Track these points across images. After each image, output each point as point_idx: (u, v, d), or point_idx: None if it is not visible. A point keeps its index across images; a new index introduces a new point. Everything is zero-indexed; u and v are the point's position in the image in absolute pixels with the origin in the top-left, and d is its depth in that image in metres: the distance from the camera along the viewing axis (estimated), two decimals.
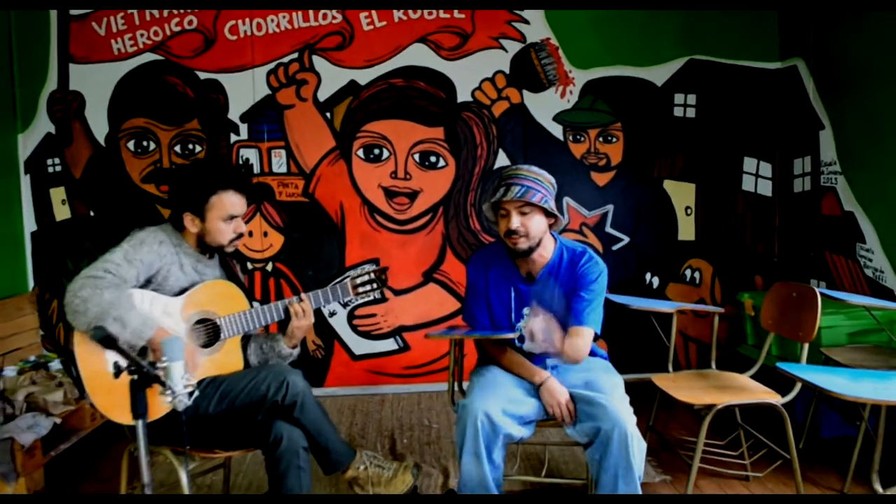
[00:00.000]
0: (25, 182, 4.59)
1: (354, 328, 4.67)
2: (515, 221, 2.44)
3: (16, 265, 4.53)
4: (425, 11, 4.53)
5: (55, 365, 4.04)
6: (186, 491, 2.21)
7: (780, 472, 3.10)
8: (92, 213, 4.61)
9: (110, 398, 2.20)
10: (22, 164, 4.57)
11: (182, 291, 2.39)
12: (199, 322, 2.39)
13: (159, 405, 2.18)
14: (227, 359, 2.42)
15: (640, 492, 2.29)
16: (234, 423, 2.34)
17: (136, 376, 1.68)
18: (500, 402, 2.40)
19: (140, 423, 1.71)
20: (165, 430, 2.24)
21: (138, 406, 1.68)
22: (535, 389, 2.51)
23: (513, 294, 2.61)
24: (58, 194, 4.61)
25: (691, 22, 4.62)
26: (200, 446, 2.35)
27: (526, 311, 2.58)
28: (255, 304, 2.52)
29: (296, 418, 2.35)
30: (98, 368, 2.20)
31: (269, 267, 4.59)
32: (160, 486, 3.28)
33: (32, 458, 3.27)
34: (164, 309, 2.32)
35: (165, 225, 2.52)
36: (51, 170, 4.59)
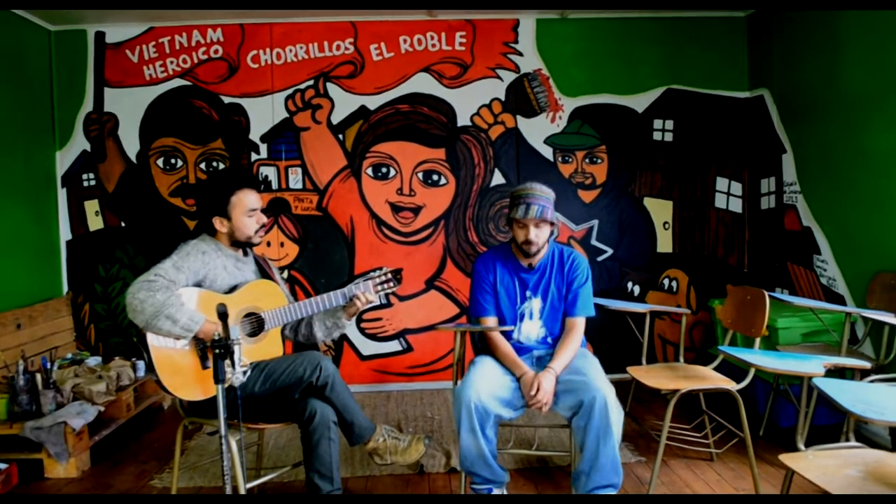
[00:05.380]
0: (62, 195, 5.04)
1: (362, 331, 5.11)
2: (532, 233, 2.99)
3: (52, 271, 4.96)
4: (429, 44, 5.01)
5: (91, 361, 4.47)
6: (237, 458, 2.63)
7: (737, 452, 3.57)
8: (123, 224, 5.05)
9: (176, 378, 2.64)
10: (59, 178, 5.03)
11: (232, 289, 2.83)
12: (246, 315, 2.83)
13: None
14: (269, 346, 2.86)
15: (617, 451, 2.76)
16: (275, 401, 2.78)
17: (219, 350, 2.13)
18: (490, 389, 2.87)
19: (220, 387, 2.15)
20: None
21: (219, 373, 2.12)
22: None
23: (517, 281, 3.15)
24: (92, 206, 5.05)
25: (669, 55, 5.11)
26: (247, 419, 2.77)
27: (528, 303, 3.12)
28: (313, 297, 2.96)
29: (327, 397, 2.79)
30: (166, 355, 2.64)
31: (286, 275, 5.03)
32: (193, 466, 3.72)
33: (81, 440, 3.71)
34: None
35: (203, 236, 2.94)
36: (86, 184, 5.04)
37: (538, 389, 2.82)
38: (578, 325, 3.10)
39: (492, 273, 3.17)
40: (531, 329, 3.13)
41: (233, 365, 2.24)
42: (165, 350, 2.64)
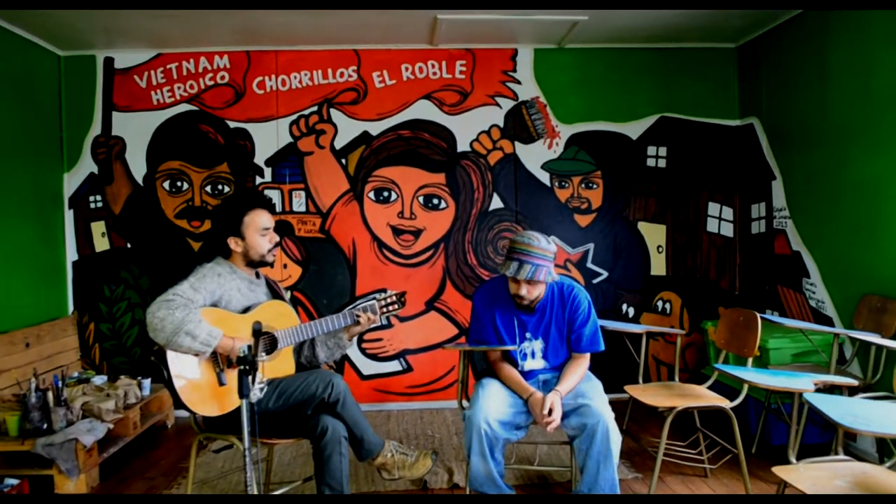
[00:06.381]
0: (69, 216, 5.13)
1: (363, 350, 5.21)
2: (524, 290, 3.01)
3: (59, 291, 5.04)
4: (430, 72, 5.17)
5: (97, 380, 4.54)
6: (250, 472, 2.71)
7: (730, 468, 3.69)
8: (129, 245, 5.15)
9: (193, 395, 2.73)
10: (67, 200, 5.13)
11: (246, 310, 2.94)
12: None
13: (231, 401, 2.75)
14: (282, 364, 2.96)
15: (616, 473, 2.87)
16: (289, 416, 2.87)
17: (244, 367, 2.23)
18: (498, 414, 2.98)
19: (245, 402, 2.25)
20: (232, 423, 2.77)
21: (244, 389, 2.22)
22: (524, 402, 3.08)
23: (516, 323, 3.18)
24: (98, 228, 5.15)
25: (662, 84, 5.29)
26: (261, 435, 2.86)
27: (528, 343, 3.19)
28: (322, 318, 3.07)
29: (338, 413, 2.89)
30: (185, 372, 2.73)
31: (288, 296, 5.12)
32: (202, 482, 3.79)
33: (90, 457, 3.78)
34: (235, 324, 2.86)
35: (218, 259, 3.04)
36: (92, 206, 5.14)
37: (551, 411, 2.89)
38: (584, 358, 3.16)
39: (489, 310, 3.19)
40: (534, 365, 3.20)
41: (253, 381, 2.35)
42: (183, 367, 2.74)
